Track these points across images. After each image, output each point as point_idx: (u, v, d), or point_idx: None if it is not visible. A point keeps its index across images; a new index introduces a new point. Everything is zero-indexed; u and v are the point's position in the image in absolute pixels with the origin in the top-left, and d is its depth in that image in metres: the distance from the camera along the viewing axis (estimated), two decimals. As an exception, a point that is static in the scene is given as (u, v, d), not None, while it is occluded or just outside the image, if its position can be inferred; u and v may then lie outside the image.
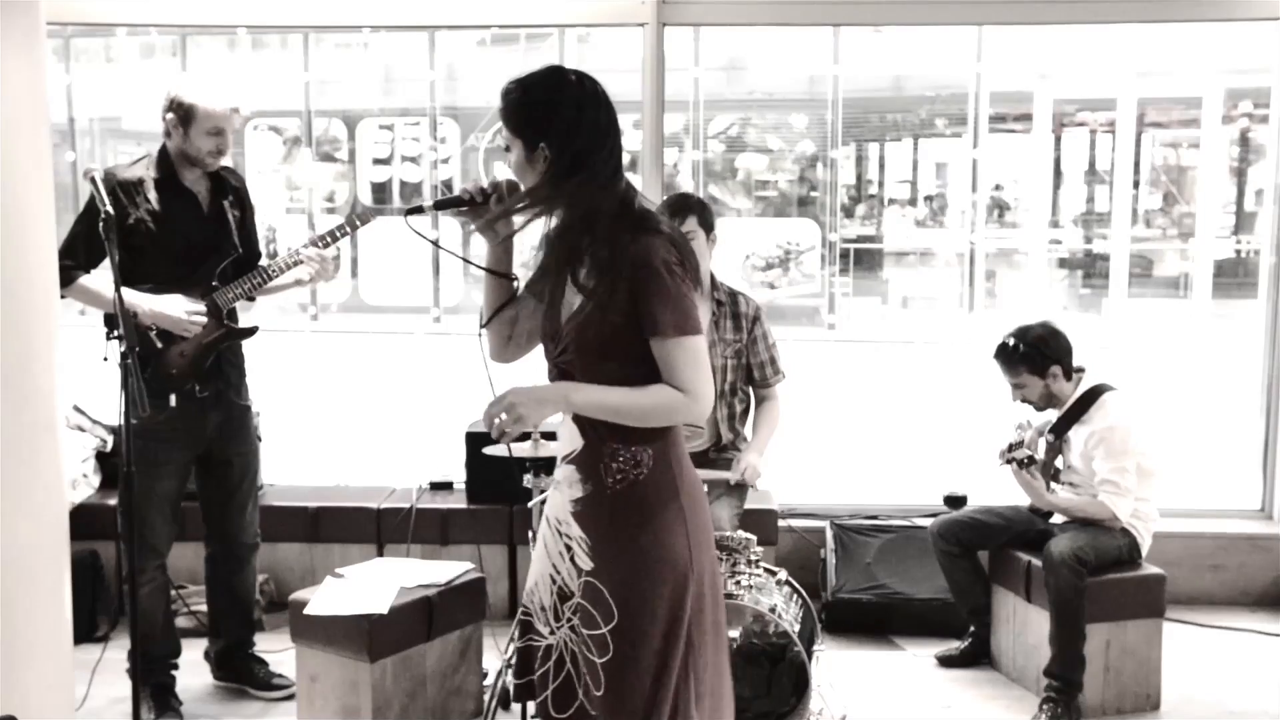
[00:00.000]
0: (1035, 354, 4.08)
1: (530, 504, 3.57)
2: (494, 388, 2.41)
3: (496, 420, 2.32)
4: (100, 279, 3.62)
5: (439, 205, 2.44)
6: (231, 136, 3.78)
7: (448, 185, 13.12)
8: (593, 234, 2.34)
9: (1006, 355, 4.12)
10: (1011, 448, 4.11)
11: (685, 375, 2.33)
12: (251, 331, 3.92)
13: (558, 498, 2.47)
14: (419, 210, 2.42)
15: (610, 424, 2.37)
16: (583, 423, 2.39)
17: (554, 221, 2.39)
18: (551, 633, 2.47)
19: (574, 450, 2.42)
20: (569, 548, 2.45)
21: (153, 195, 3.72)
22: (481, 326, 2.50)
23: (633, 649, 2.37)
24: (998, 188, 13.66)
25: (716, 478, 3.92)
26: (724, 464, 4.09)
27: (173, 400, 3.72)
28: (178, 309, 3.68)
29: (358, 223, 3.89)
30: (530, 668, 2.50)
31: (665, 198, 4.39)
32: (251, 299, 3.88)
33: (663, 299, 2.30)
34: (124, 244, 3.57)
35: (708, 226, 3.91)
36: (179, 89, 3.73)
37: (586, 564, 2.42)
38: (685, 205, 3.98)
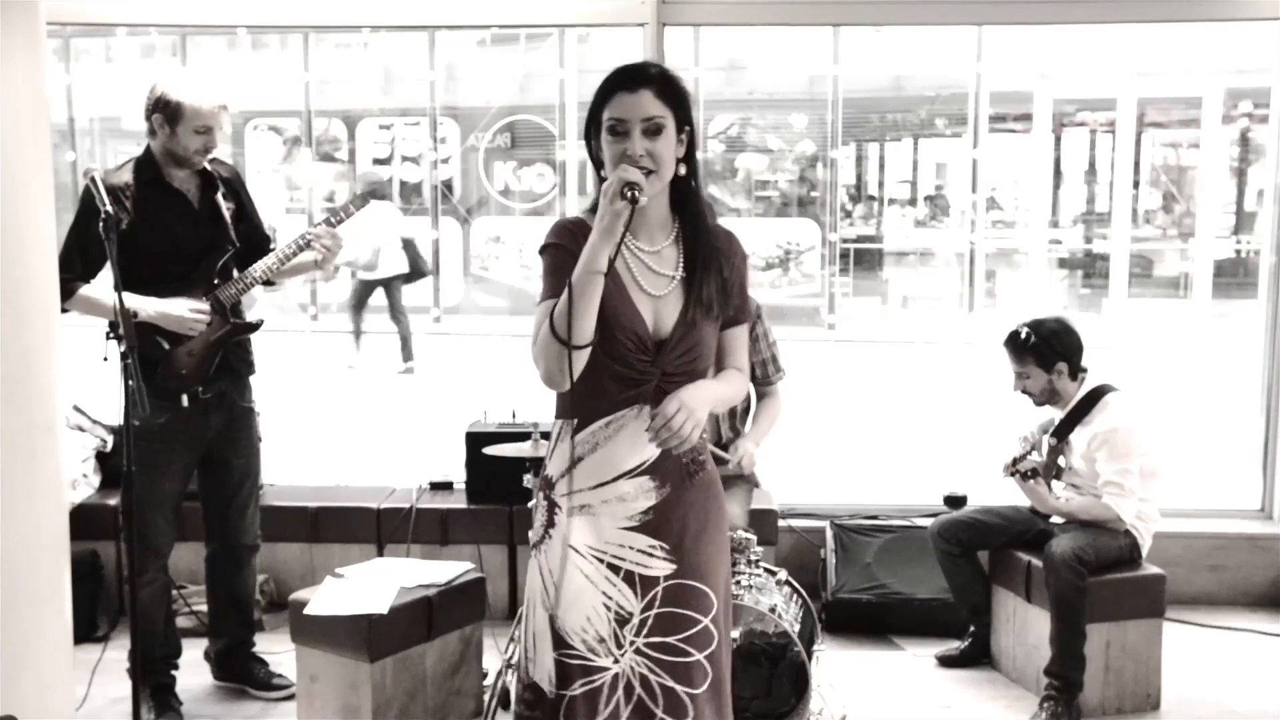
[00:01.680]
0: (1045, 348, 4.07)
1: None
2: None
3: (678, 427, 2.29)
4: (99, 287, 3.61)
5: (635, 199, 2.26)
6: (219, 134, 3.74)
7: (448, 185, 13.14)
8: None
9: (1016, 345, 4.11)
10: (1016, 461, 4.10)
11: (743, 357, 2.54)
12: (257, 326, 3.90)
13: (587, 524, 2.41)
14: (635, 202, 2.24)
15: None
16: None
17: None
18: (615, 661, 2.42)
19: (646, 460, 2.40)
20: (616, 568, 2.40)
21: (141, 198, 3.67)
22: (585, 345, 2.28)
23: (725, 628, 2.46)
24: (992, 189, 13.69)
25: (717, 455, 3.92)
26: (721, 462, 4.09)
27: (184, 400, 3.70)
28: (181, 309, 3.67)
29: (352, 208, 3.88)
30: (594, 709, 2.40)
31: None
32: (270, 283, 3.85)
33: (746, 285, 2.51)
34: (120, 248, 3.56)
35: None
36: (165, 87, 3.67)
37: (665, 569, 2.41)
38: None
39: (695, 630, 2.41)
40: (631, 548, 2.40)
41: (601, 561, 2.40)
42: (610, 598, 2.40)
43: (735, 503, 3.87)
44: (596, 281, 2.25)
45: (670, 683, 2.40)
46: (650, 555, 2.41)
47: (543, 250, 2.42)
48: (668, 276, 2.41)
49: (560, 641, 2.39)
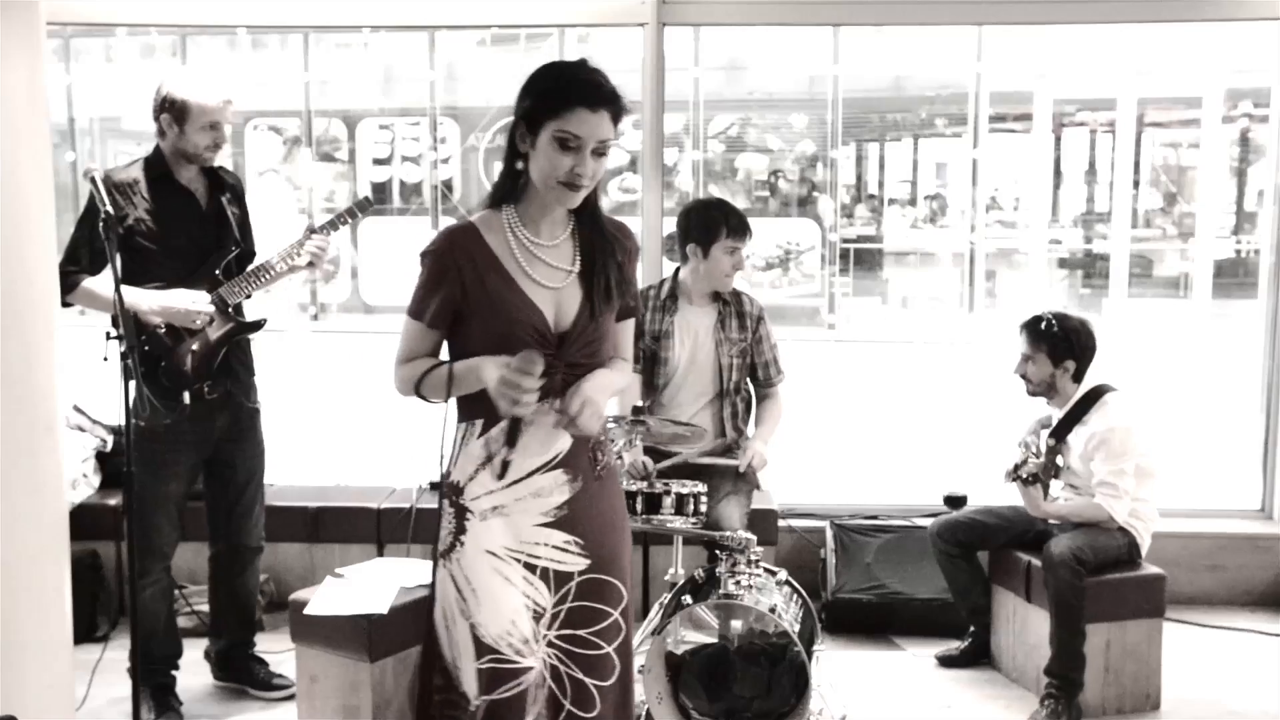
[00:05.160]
0: (1061, 340, 4.07)
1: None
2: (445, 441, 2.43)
3: (584, 420, 2.35)
4: (104, 281, 3.62)
5: None
6: (227, 130, 3.77)
7: (448, 185, 13.13)
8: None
9: (1034, 329, 4.12)
10: (1017, 467, 4.10)
11: (630, 347, 2.60)
12: (260, 324, 3.91)
13: (502, 525, 2.40)
14: None
15: None
16: None
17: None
18: (534, 657, 2.43)
19: (559, 453, 2.41)
20: (533, 566, 2.41)
21: (150, 195, 3.71)
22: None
23: (632, 620, 2.49)
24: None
25: (725, 464, 3.93)
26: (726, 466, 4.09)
27: (186, 398, 3.71)
28: (184, 300, 3.68)
29: (358, 211, 3.90)
30: (522, 711, 2.41)
31: (726, 209, 4.10)
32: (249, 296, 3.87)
33: (635, 277, 2.55)
34: (125, 245, 3.59)
35: None
36: (170, 87, 3.70)
37: (580, 564, 2.43)
38: (747, 226, 4.06)
39: (606, 624, 2.44)
40: (546, 544, 2.41)
41: (518, 561, 2.41)
42: (529, 597, 2.42)
43: (734, 506, 3.86)
44: (476, 384, 2.33)
45: (580, 675, 2.43)
46: (565, 551, 2.42)
47: (424, 255, 2.40)
48: (564, 270, 2.43)
49: (484, 649, 2.38)
